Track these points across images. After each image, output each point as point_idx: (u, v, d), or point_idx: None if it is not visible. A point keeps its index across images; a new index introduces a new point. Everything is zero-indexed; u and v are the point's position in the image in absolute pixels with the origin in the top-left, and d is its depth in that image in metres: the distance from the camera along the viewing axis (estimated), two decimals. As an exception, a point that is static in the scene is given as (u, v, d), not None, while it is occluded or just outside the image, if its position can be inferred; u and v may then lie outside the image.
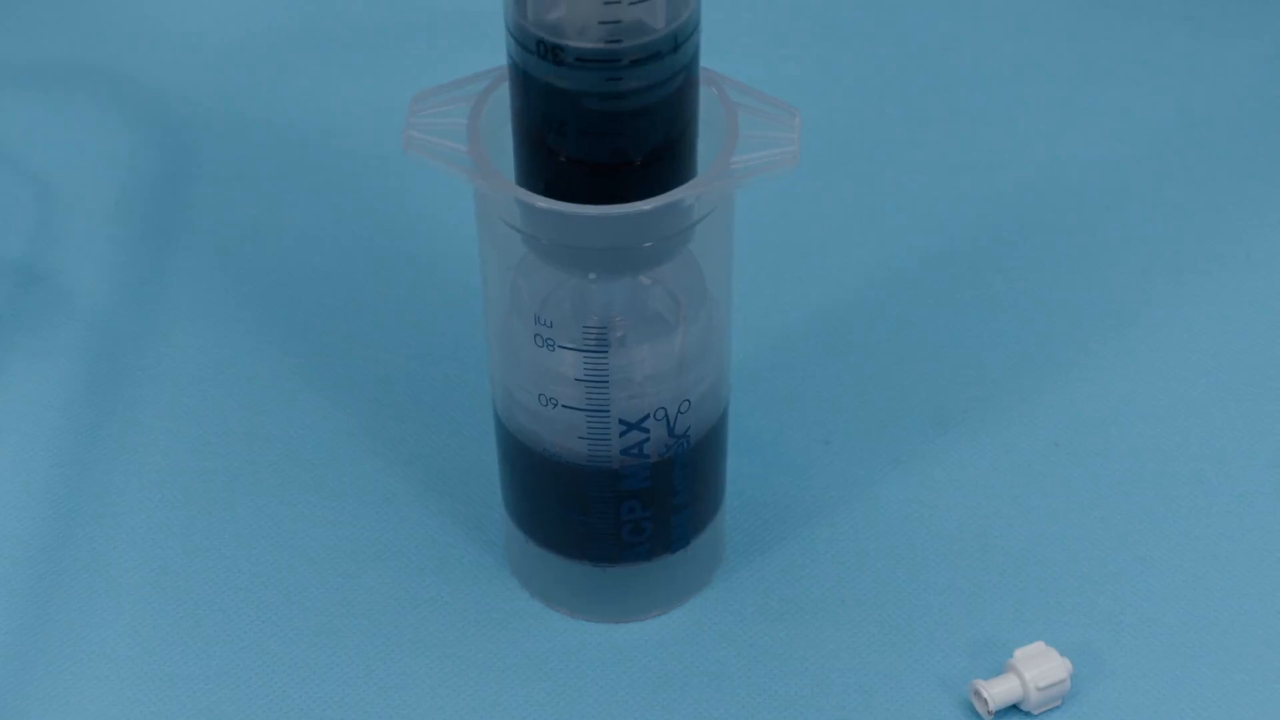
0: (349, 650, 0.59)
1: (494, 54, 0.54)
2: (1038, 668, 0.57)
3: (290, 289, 0.71)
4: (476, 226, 0.55)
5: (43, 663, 0.59)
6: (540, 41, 0.50)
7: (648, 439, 0.55)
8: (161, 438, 0.65)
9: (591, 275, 0.53)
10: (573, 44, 0.49)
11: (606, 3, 0.49)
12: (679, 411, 0.56)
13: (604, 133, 0.51)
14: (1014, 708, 0.58)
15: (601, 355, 0.54)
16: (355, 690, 0.58)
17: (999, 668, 0.59)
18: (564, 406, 0.55)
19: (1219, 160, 0.76)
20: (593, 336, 0.54)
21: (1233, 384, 0.68)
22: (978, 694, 0.58)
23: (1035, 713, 0.58)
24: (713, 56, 0.54)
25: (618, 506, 0.57)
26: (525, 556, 0.60)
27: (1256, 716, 0.58)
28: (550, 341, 0.54)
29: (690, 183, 0.52)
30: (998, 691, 0.57)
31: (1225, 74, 0.80)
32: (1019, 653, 0.58)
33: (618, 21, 0.49)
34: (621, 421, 0.55)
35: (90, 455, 0.65)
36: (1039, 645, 0.58)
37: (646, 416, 0.55)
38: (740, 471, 0.64)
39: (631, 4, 0.49)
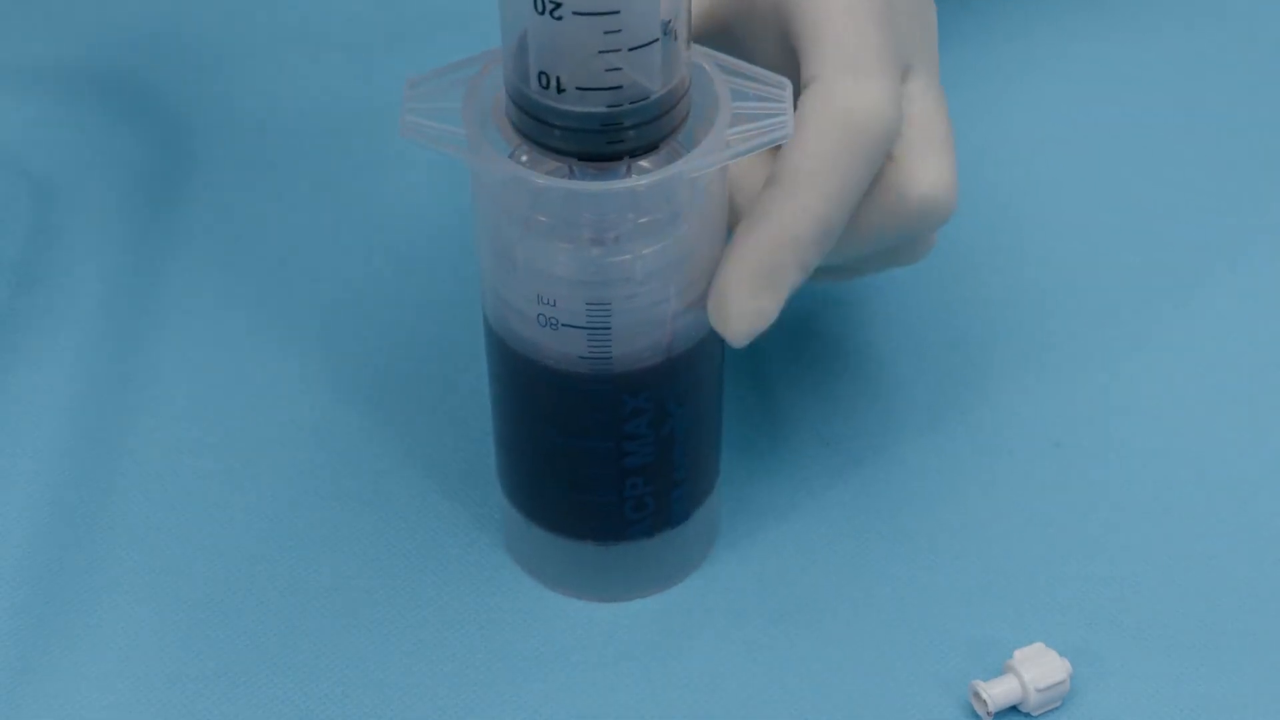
0: (349, 650, 0.59)
1: (494, 54, 0.54)
2: (1037, 669, 0.57)
3: (290, 289, 0.71)
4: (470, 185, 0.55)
5: (43, 663, 0.59)
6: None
7: (647, 415, 0.56)
8: (161, 438, 0.65)
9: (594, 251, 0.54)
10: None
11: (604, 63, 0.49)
12: (675, 386, 0.56)
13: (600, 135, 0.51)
14: (1014, 709, 0.58)
15: (604, 331, 0.54)
16: (355, 690, 0.58)
17: (999, 668, 0.59)
18: (564, 325, 0.55)
19: (1219, 160, 0.76)
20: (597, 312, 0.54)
21: (1233, 384, 0.68)
22: (977, 695, 0.58)
23: (1035, 714, 0.58)
24: (713, 56, 0.54)
25: (621, 484, 0.57)
26: (528, 541, 0.60)
27: (1256, 716, 0.58)
28: (554, 320, 0.54)
29: (686, 157, 0.52)
30: (997, 692, 0.57)
31: (1225, 74, 0.80)
32: (1018, 653, 0.58)
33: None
34: (626, 392, 0.55)
35: (90, 455, 0.65)
36: (1038, 646, 0.58)
37: (644, 394, 0.55)
38: (740, 471, 0.64)
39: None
